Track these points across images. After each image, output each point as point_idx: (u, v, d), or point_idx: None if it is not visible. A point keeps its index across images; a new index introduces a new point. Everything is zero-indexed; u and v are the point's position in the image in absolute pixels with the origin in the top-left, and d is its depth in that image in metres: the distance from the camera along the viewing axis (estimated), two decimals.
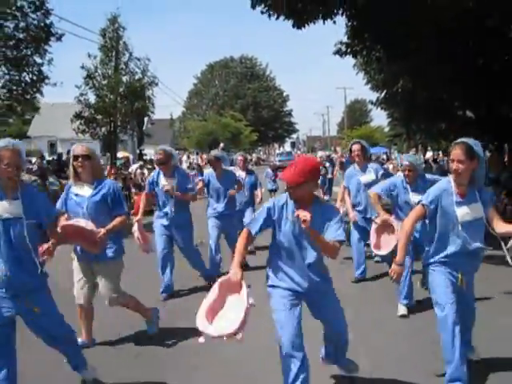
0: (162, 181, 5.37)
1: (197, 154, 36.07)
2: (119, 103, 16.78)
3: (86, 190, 3.74)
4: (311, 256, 2.93)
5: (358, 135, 38.51)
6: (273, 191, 15.44)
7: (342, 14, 10.22)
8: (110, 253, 3.81)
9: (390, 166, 19.61)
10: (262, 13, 10.72)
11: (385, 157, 31.83)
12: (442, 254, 3.20)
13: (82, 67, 16.30)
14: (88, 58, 16.53)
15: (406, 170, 4.73)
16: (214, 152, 6.44)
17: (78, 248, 3.83)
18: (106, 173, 17.13)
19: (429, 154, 30.77)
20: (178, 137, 48.62)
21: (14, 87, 10.42)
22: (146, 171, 16.96)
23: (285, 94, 55.72)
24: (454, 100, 16.03)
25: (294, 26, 9.95)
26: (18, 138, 12.95)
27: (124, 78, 17.17)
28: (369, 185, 5.61)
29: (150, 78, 17.38)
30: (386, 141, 39.78)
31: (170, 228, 5.41)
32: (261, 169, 36.72)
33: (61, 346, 3.28)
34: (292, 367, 2.76)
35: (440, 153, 31.52)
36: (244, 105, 51.10)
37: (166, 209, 5.38)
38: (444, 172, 17.57)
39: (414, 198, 4.60)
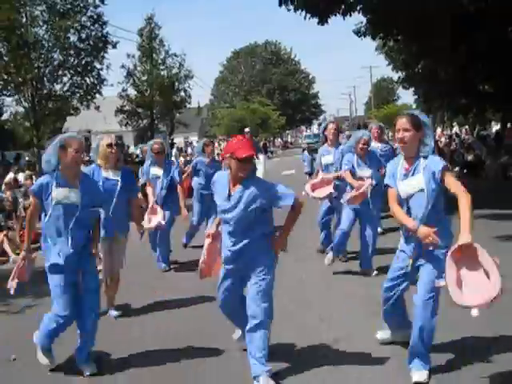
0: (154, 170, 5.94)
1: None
2: (158, 96, 18.42)
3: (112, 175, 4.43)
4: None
5: (384, 114, 39.12)
6: (310, 174, 15.78)
7: (359, 12, 11.39)
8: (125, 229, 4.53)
9: None
10: (289, 10, 11.97)
11: None
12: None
13: (122, 66, 18.00)
14: (127, 58, 18.24)
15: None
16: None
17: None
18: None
19: (454, 130, 31.32)
20: (207, 125, 50.10)
21: (77, 89, 12.15)
22: (182, 159, 18.57)
23: (310, 76, 56.62)
24: (473, 76, 16.79)
25: (318, 23, 11.22)
26: (52, 133, 14.84)
27: (162, 73, 18.79)
28: (326, 167, 5.94)
29: (185, 72, 18.97)
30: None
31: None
32: (289, 153, 37.42)
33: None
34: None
35: (467, 127, 31.98)
36: (270, 89, 52.19)
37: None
38: (465, 146, 18.44)
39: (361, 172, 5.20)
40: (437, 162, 2.98)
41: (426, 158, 3.01)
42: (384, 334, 3.53)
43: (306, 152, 16.62)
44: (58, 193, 3.29)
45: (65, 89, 12.19)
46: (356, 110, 70.12)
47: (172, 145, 28.35)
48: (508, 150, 14.69)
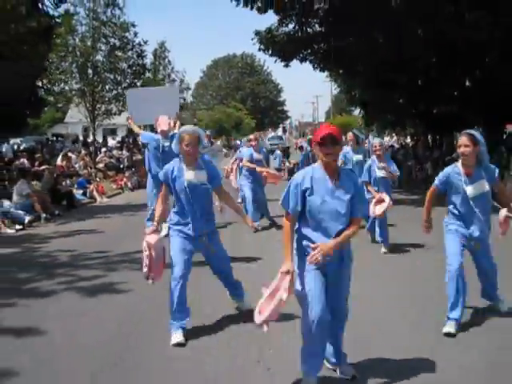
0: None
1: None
2: None
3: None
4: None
5: (339, 122, 46.01)
6: (280, 170, 18.66)
7: (310, 62, 17.74)
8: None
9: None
10: (266, 54, 18.04)
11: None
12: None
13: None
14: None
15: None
16: None
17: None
18: None
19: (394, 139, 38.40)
20: (186, 122, 55.79)
21: (120, 97, 18.04)
22: None
23: (279, 86, 64.02)
24: (398, 100, 23.00)
25: (284, 66, 17.52)
26: (52, 123, 22.73)
27: (167, 85, 24.71)
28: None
29: (185, 85, 25.08)
30: (363, 128, 46.57)
31: None
32: None
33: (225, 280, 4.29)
34: None
35: (408, 138, 38.82)
36: (244, 95, 59.01)
37: None
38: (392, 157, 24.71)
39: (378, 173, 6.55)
40: (494, 172, 3.99)
41: (483, 166, 3.93)
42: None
43: (278, 151, 21.16)
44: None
45: (112, 96, 18.08)
46: (318, 117, 77.54)
47: None
48: (415, 157, 21.06)
